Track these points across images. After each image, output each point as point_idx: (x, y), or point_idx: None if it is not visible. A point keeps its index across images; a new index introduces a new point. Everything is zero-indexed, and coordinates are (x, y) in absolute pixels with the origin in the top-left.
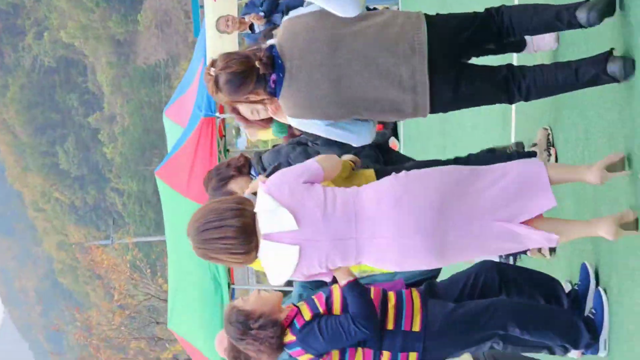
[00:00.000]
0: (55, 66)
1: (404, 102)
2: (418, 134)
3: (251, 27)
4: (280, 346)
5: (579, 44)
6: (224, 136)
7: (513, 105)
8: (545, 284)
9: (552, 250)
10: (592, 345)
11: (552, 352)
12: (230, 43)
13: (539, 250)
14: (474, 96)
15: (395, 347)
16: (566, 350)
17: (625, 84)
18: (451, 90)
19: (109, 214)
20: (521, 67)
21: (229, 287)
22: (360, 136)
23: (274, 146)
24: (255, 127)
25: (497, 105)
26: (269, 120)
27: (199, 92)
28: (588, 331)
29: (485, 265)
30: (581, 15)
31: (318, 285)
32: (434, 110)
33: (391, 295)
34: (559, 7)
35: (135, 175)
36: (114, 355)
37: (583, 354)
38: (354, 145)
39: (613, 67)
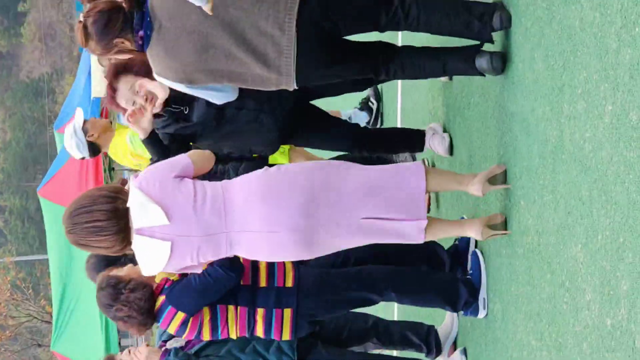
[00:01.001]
0: None
1: (268, 79)
2: None
3: None
4: (151, 311)
5: None
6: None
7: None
8: (424, 247)
9: None
10: (471, 303)
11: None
12: None
13: None
14: (340, 74)
15: (270, 304)
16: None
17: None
18: (320, 71)
19: None
20: (394, 49)
21: None
22: (223, 93)
23: None
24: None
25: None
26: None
27: (83, 108)
28: (467, 290)
29: None
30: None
31: None
32: (299, 78)
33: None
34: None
35: (17, 192)
36: None
37: (464, 315)
38: (217, 102)
39: (480, 62)
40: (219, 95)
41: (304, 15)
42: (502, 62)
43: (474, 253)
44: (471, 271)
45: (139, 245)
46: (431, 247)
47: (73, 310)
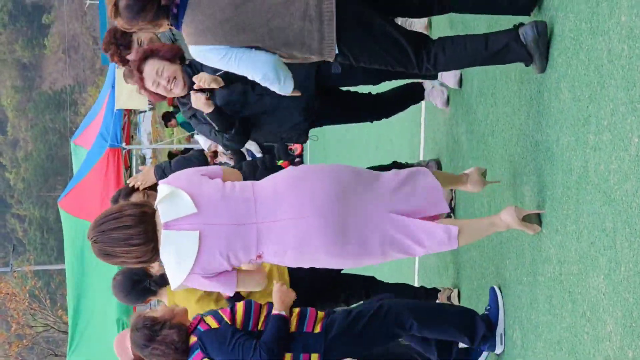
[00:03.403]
0: None
1: (309, 32)
2: (325, 157)
3: None
4: (186, 351)
5: None
6: (129, 167)
7: (422, 128)
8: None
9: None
10: (489, 338)
11: None
12: None
13: (448, 298)
14: (383, 40)
15: (297, 348)
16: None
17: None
18: (361, 24)
19: (9, 240)
20: (432, 38)
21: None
22: (259, 66)
23: (183, 152)
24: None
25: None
26: (161, 97)
27: (105, 122)
28: (484, 325)
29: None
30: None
31: None
32: (340, 46)
33: (295, 309)
34: None
35: (37, 202)
36: None
37: (481, 350)
38: (258, 79)
39: (524, 30)
40: (255, 68)
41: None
42: (546, 28)
43: (492, 289)
44: (489, 307)
45: (166, 243)
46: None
47: (88, 322)
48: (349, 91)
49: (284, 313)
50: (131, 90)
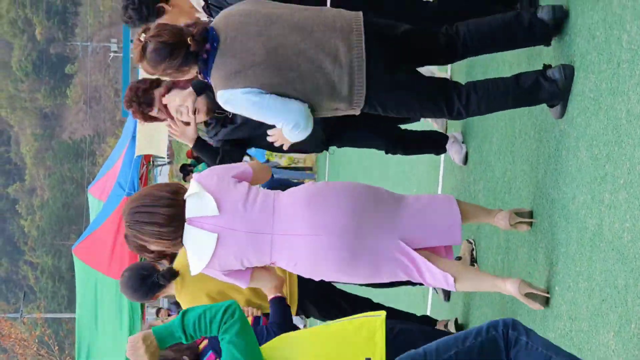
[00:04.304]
0: None
1: (339, 78)
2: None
3: None
4: (197, 357)
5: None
6: None
7: (440, 184)
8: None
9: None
10: None
11: None
12: (161, 128)
13: (445, 325)
14: (411, 88)
15: None
16: None
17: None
18: (388, 72)
19: (21, 287)
20: (458, 82)
21: None
22: (291, 113)
23: None
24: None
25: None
26: (185, 124)
27: (122, 171)
28: None
29: None
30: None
31: None
32: (369, 94)
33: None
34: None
35: (51, 250)
36: None
37: None
38: (286, 126)
39: (552, 71)
40: (284, 115)
41: (369, 25)
42: (573, 72)
43: None
44: None
45: (188, 235)
46: None
47: None
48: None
49: (279, 294)
50: (151, 136)
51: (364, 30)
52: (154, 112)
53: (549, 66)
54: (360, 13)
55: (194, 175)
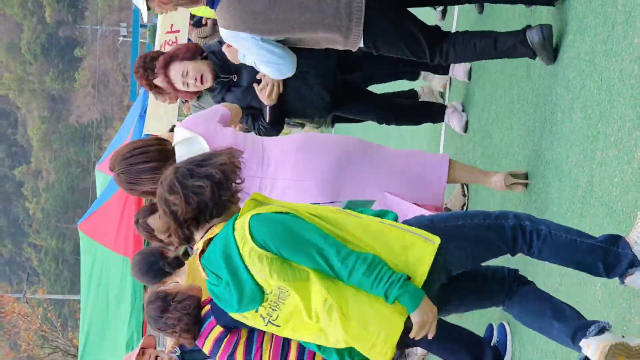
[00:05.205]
0: None
1: (338, 28)
2: None
3: None
4: (199, 320)
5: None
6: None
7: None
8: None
9: None
10: None
11: None
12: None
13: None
14: (404, 34)
15: None
16: None
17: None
18: (386, 19)
19: (24, 269)
20: (446, 32)
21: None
22: (283, 61)
23: None
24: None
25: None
26: (195, 93)
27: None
28: (491, 353)
29: None
30: None
31: None
32: (366, 37)
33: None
34: None
35: (55, 233)
36: None
37: None
38: (275, 75)
39: (531, 34)
40: (278, 62)
41: None
42: (551, 32)
43: (502, 325)
44: (498, 339)
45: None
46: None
47: (98, 345)
48: (366, 89)
49: None
50: (161, 116)
51: None
52: (159, 81)
53: (528, 27)
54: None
55: (178, 123)
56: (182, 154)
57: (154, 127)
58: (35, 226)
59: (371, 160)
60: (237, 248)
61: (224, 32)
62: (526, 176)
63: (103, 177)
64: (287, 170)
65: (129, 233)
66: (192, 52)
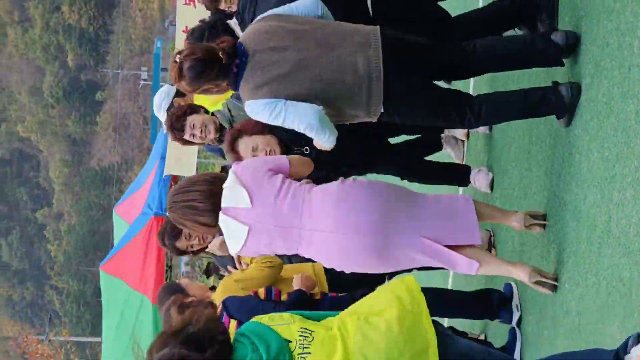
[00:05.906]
0: (9, 158)
1: (358, 89)
2: None
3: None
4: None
5: None
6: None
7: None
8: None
9: None
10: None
11: None
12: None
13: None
14: (425, 97)
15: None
16: None
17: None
18: (404, 83)
19: (46, 311)
20: (472, 95)
21: None
22: (305, 117)
23: None
24: None
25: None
26: None
27: (151, 192)
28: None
29: None
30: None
31: None
32: (386, 103)
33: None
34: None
35: (76, 275)
36: None
37: None
38: (302, 128)
39: (561, 89)
40: (303, 121)
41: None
42: (580, 91)
43: (513, 330)
44: (507, 342)
45: (223, 223)
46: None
47: None
48: (394, 147)
49: (303, 289)
50: (180, 157)
51: (381, 44)
52: (187, 136)
53: (557, 83)
54: (378, 27)
55: (233, 165)
56: (226, 197)
57: (174, 167)
58: (57, 268)
59: (404, 206)
60: None
61: (248, 107)
62: (545, 217)
63: (121, 221)
64: (326, 221)
65: (152, 274)
66: (260, 127)
